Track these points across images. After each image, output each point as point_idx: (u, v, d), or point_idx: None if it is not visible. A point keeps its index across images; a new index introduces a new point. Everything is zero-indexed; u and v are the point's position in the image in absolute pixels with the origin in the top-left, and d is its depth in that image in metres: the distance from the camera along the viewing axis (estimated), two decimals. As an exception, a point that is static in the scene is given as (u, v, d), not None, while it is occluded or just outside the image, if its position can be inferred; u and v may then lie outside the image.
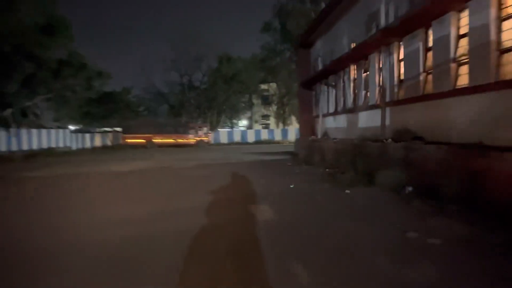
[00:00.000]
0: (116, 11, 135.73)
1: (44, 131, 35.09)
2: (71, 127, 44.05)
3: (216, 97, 48.43)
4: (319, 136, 16.33)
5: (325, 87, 15.63)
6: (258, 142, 48.86)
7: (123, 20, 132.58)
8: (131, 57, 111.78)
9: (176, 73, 50.04)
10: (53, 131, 36.39)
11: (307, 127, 17.11)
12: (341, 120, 13.85)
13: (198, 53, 47.37)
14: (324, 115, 15.55)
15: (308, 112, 17.17)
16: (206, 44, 47.63)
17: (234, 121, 56.05)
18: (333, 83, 14.46)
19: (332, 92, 14.89)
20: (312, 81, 16.62)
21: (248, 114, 55.79)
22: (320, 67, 16.02)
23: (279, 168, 14.77)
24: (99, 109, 40.83)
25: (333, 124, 14.71)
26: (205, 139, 42.55)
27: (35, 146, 33.80)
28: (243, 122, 59.53)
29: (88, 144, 40.97)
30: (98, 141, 42.71)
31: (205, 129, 43.10)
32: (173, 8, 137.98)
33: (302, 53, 17.89)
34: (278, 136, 50.27)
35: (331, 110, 15.09)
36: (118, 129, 43.72)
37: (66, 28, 27.72)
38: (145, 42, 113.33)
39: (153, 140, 40.42)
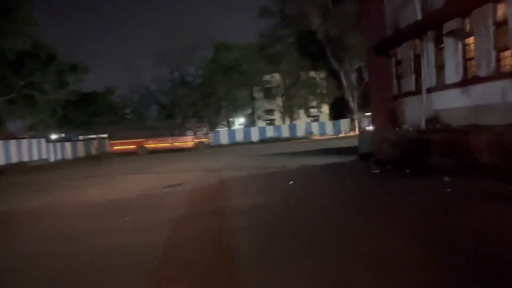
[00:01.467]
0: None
1: (13, 142, 28.87)
2: (53, 136, 37.90)
3: (214, 92, 42.41)
4: (407, 125, 10.54)
5: (429, 46, 9.60)
6: (264, 141, 43.07)
7: (101, 9, 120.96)
8: (113, 52, 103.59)
9: (166, 67, 43.79)
10: (24, 141, 30.17)
11: (383, 113, 11.40)
12: (489, 93, 7.70)
13: (189, 44, 41.30)
14: (432, 90, 9.59)
15: (385, 90, 11.39)
16: (198, 33, 41.55)
17: (231, 119, 50.25)
18: (463, 32, 8.37)
19: (450, 49, 8.85)
20: (395, 41, 10.80)
21: (249, 110, 49.76)
22: (412, 17, 9.82)
23: (385, 181, 9.05)
24: (78, 113, 34.56)
25: (458, 102, 8.60)
26: (204, 140, 36.66)
27: (1, 160, 27.63)
28: (240, 120, 53.77)
29: (69, 155, 34.80)
30: (81, 151, 36.59)
31: (204, 129, 37.19)
32: None
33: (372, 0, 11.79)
34: (285, 133, 44.50)
35: (454, 79, 8.80)
36: (104, 135, 37.62)
37: (25, 8, 21.56)
38: (130, 34, 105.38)
39: (145, 146, 34.43)
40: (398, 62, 11.16)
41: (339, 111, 50.32)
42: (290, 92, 45.46)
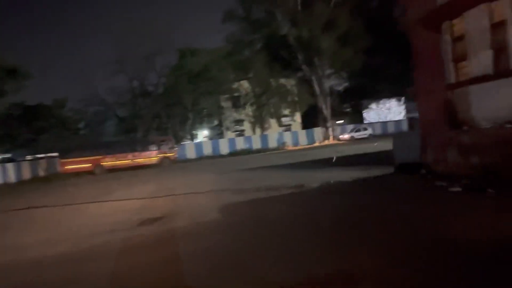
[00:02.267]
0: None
1: None
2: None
3: (178, 102, 38.63)
4: (481, 121, 7.63)
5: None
6: (234, 153, 39.79)
7: (50, 13, 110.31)
8: (64, 61, 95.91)
9: (124, 76, 39.67)
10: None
11: (436, 108, 8.51)
12: None
13: (150, 49, 37.50)
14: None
15: (437, 78, 8.54)
16: (160, 38, 37.82)
17: (195, 132, 46.54)
18: None
19: None
20: (452, 10, 7.93)
21: (216, 121, 46.28)
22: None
23: (489, 209, 5.99)
24: (22, 129, 29.75)
25: None
26: (170, 155, 32.83)
27: None
28: (204, 133, 50.16)
29: (12, 178, 29.92)
30: (26, 173, 31.73)
31: (169, 142, 33.37)
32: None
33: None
34: (257, 144, 41.43)
35: None
36: (55, 154, 32.95)
37: None
38: (83, 41, 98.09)
39: (103, 164, 30.16)
40: (457, 39, 8.33)
41: (311, 119, 48.05)
42: (260, 101, 42.55)
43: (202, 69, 36.64)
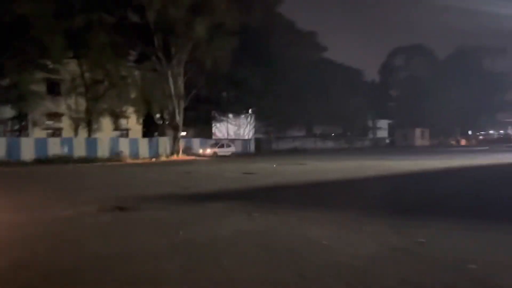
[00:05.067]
0: None
1: None
2: None
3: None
4: None
5: None
6: (44, 161, 26.97)
7: None
8: None
9: None
10: None
11: None
12: None
13: None
14: None
15: None
16: None
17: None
18: None
19: None
20: None
21: (14, 110, 31.35)
22: None
23: None
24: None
25: None
26: None
27: None
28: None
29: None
30: None
31: None
32: None
33: None
34: (80, 150, 29.34)
35: None
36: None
37: None
38: None
39: None
40: None
41: (154, 125, 38.37)
42: (92, 91, 30.67)
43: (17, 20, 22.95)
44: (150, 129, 37.72)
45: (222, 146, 35.93)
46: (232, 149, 36.29)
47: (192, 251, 5.24)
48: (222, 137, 43.46)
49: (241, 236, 5.98)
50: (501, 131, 73.18)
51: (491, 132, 73.54)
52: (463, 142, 66.49)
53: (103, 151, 30.57)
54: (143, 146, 33.51)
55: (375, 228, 6.30)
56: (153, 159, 31.26)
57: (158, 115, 38.50)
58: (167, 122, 37.03)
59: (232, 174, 17.90)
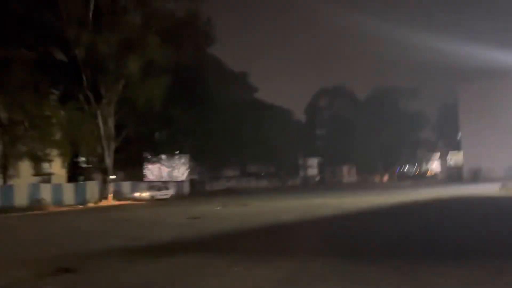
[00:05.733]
0: None
1: None
2: None
3: None
4: None
5: None
6: None
7: None
8: None
9: None
10: None
11: None
12: None
13: None
14: None
15: None
16: None
17: None
18: None
19: None
20: None
21: None
22: None
23: None
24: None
25: None
26: None
27: None
28: None
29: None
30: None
31: None
32: None
33: None
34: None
35: None
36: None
37: None
38: None
39: None
40: None
41: (80, 169, 35.49)
42: (9, 133, 27.65)
43: None
44: (75, 173, 34.75)
45: (160, 189, 34.13)
46: (170, 191, 34.58)
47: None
48: (154, 179, 41.40)
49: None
50: (417, 167, 79.19)
51: (411, 168, 79.18)
52: (385, 177, 70.40)
53: (21, 199, 27.31)
54: (68, 192, 30.57)
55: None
56: (81, 206, 28.55)
57: (84, 158, 35.77)
58: (93, 166, 34.51)
59: (176, 220, 16.71)
